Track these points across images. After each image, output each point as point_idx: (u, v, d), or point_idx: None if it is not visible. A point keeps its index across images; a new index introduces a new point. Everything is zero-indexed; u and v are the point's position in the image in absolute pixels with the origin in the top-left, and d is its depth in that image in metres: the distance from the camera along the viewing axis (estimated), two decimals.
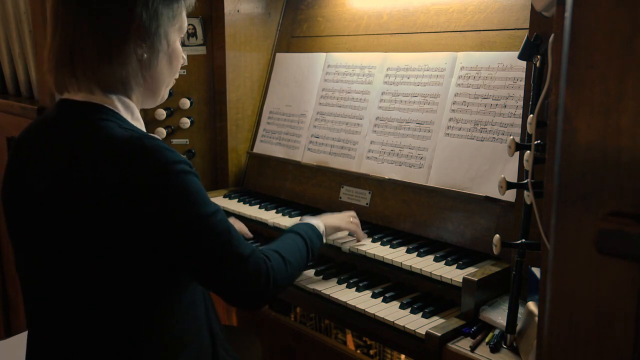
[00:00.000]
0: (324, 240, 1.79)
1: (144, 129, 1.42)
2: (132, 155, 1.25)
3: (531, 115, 1.32)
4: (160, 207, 1.26)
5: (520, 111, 1.74)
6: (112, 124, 1.31)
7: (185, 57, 1.53)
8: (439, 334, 1.50)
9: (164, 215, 1.26)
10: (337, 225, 1.87)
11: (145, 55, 1.38)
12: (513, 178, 1.66)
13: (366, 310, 1.67)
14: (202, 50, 2.54)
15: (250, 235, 2.14)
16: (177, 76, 1.53)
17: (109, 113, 1.34)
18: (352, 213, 1.97)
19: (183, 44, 2.48)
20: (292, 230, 1.70)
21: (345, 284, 1.83)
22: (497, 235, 1.43)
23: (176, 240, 1.29)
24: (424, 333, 1.52)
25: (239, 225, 2.13)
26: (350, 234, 1.95)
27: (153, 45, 1.38)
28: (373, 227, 2.04)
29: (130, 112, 1.40)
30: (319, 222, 1.80)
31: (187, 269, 1.36)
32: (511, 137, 1.38)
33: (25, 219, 1.38)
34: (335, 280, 1.86)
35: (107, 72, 1.34)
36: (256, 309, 1.53)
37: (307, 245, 1.65)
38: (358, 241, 1.92)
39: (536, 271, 1.50)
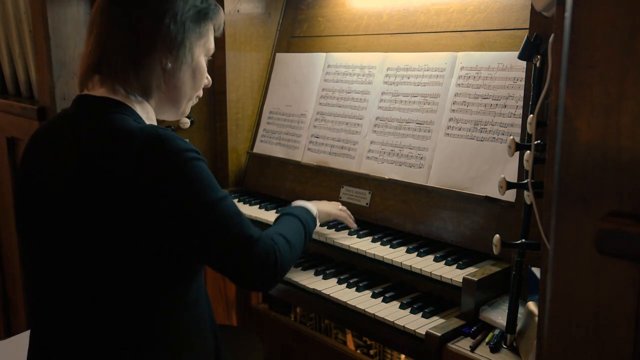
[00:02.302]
0: (318, 224, 1.84)
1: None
2: (147, 143, 1.28)
3: (531, 115, 1.32)
4: (174, 193, 1.29)
5: (520, 111, 1.74)
6: (127, 117, 1.35)
7: (209, 78, 1.59)
8: (439, 334, 1.50)
9: (178, 202, 1.29)
10: (328, 211, 1.93)
11: (170, 65, 1.43)
12: (513, 178, 1.66)
13: (366, 310, 1.67)
14: None
15: None
16: (200, 93, 1.58)
17: (125, 108, 1.38)
18: (339, 204, 2.04)
19: None
20: (290, 213, 1.73)
21: (345, 284, 1.83)
22: (497, 235, 1.43)
23: (190, 226, 1.31)
24: (424, 333, 1.52)
25: None
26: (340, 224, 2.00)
27: (178, 55, 1.43)
28: (373, 227, 2.04)
29: (146, 113, 1.44)
30: (313, 206, 1.84)
31: (201, 254, 1.38)
32: (511, 137, 1.38)
33: (38, 214, 1.39)
34: (335, 280, 1.86)
35: (131, 77, 1.39)
36: (266, 290, 1.60)
37: (304, 229, 1.69)
38: (349, 228, 2.00)
39: (536, 271, 1.50)
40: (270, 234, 1.50)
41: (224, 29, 2.45)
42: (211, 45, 1.55)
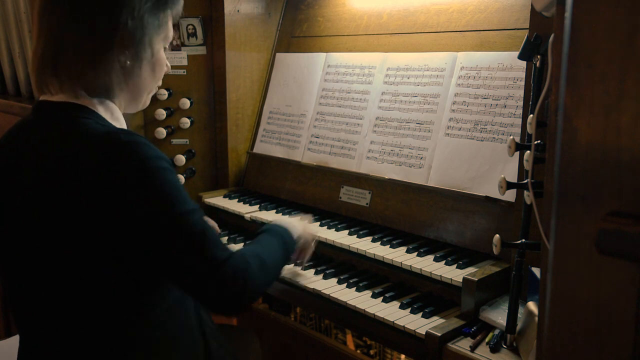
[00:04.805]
0: (295, 247, 1.72)
1: (124, 127, 1.40)
2: (108, 151, 1.24)
3: (531, 115, 1.32)
4: (135, 204, 1.24)
5: (520, 111, 1.74)
6: (89, 121, 1.31)
7: (168, 65, 1.53)
8: (439, 334, 1.50)
9: (139, 212, 1.24)
10: (308, 240, 1.78)
11: (129, 63, 1.37)
12: (513, 178, 1.66)
13: (366, 310, 1.67)
14: (202, 50, 2.54)
15: (218, 231, 2.01)
16: (160, 83, 1.53)
17: (87, 111, 1.34)
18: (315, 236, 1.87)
19: (183, 44, 2.49)
20: (269, 231, 1.64)
21: (345, 284, 1.83)
22: (497, 235, 1.43)
23: (150, 239, 1.26)
24: (424, 333, 1.52)
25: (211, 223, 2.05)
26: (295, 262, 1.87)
27: (137, 53, 1.38)
28: (373, 227, 2.04)
29: (110, 112, 1.39)
30: (295, 228, 1.72)
31: (163, 269, 1.32)
32: (511, 137, 1.38)
33: (6, 223, 1.36)
34: (335, 280, 1.86)
35: (90, 78, 1.34)
36: (231, 314, 1.46)
37: (284, 249, 1.60)
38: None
39: (536, 271, 1.50)
40: (245, 254, 1.41)
41: (224, 29, 2.48)
42: (170, 33, 1.47)
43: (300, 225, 1.77)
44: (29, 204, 1.31)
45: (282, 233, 1.65)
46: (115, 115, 1.41)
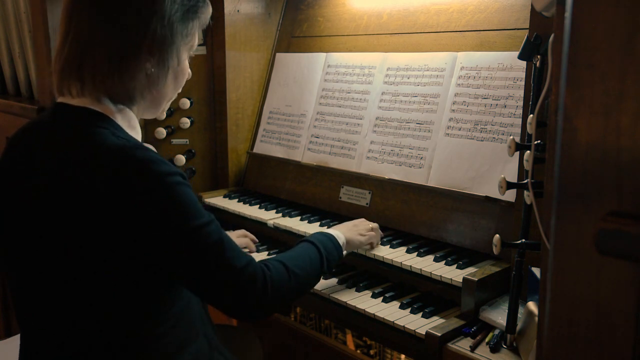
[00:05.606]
0: (344, 253, 1.73)
1: (139, 138, 1.40)
2: (123, 166, 1.24)
3: (531, 115, 1.32)
4: (151, 220, 1.24)
5: (520, 111, 1.74)
6: (106, 131, 1.30)
7: (190, 73, 1.52)
8: (439, 334, 1.50)
9: (155, 228, 1.25)
10: (361, 241, 1.80)
11: (153, 70, 1.37)
12: (513, 178, 1.66)
13: (366, 310, 1.67)
14: (202, 50, 2.54)
15: (253, 249, 2.10)
16: (180, 90, 1.52)
17: (104, 120, 1.33)
18: (375, 225, 1.90)
19: None
20: (306, 239, 1.65)
21: (345, 284, 1.83)
22: (497, 235, 1.43)
23: (168, 253, 1.28)
24: (424, 333, 1.52)
25: (244, 241, 2.08)
26: None
27: (164, 61, 1.37)
28: None
29: (127, 121, 1.39)
30: (340, 233, 1.74)
31: (181, 281, 1.35)
32: (511, 137, 1.38)
33: (14, 221, 1.36)
34: (335, 280, 1.86)
35: (114, 83, 1.34)
36: (257, 320, 1.48)
37: (321, 256, 1.59)
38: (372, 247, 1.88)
39: (536, 271, 1.50)
40: (267, 261, 1.44)
41: (224, 29, 2.48)
42: (196, 42, 1.47)
43: (347, 231, 1.79)
44: (38, 206, 1.30)
45: (320, 239, 1.65)
46: (132, 123, 1.40)
